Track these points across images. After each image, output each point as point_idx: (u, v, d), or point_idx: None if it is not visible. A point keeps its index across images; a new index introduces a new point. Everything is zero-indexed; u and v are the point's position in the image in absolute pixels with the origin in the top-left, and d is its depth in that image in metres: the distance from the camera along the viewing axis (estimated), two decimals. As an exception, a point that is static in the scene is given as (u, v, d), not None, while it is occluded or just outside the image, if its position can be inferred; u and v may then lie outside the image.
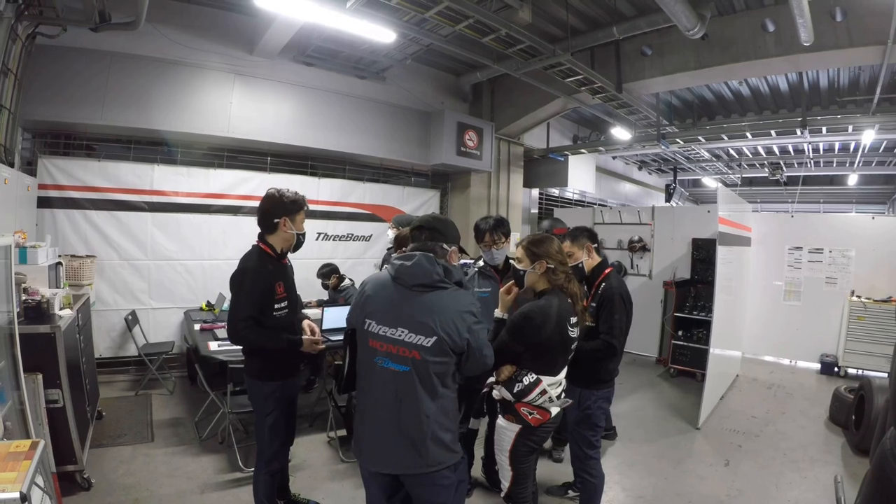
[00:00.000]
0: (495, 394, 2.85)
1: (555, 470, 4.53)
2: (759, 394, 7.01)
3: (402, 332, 2.32)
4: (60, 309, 4.07)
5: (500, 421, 2.85)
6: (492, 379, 2.87)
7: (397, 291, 2.40)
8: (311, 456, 4.69)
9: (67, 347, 3.79)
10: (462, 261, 3.54)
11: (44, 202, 6.11)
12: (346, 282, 6.72)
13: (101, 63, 6.12)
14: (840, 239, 8.15)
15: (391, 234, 4.70)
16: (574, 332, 2.80)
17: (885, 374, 5.79)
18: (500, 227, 3.87)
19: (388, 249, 4.24)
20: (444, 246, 2.52)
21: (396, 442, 2.34)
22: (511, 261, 4.13)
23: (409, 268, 2.38)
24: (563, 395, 2.85)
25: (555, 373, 2.76)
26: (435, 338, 2.29)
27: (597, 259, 3.68)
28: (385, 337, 2.36)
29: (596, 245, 3.72)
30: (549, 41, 6.56)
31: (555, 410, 2.77)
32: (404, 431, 2.32)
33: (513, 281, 2.96)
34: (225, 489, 4.08)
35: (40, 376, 3.46)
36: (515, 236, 3.42)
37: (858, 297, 7.76)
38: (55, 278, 4.72)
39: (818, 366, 8.02)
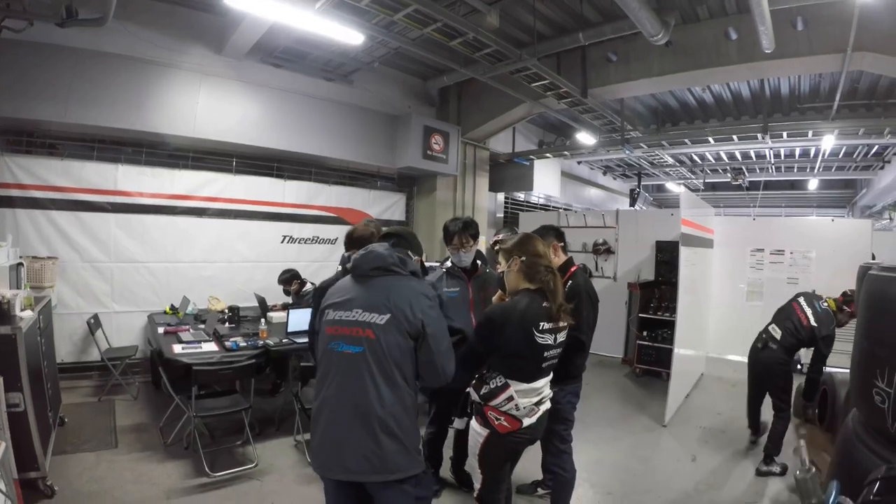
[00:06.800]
0: (471, 394, 2.81)
1: (525, 468, 4.55)
2: (724, 391, 7.14)
3: (357, 311, 2.34)
4: (21, 310, 3.95)
5: (473, 422, 2.79)
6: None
7: (354, 280, 2.48)
8: (277, 460, 4.64)
9: (28, 350, 3.71)
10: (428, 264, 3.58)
11: (5, 201, 5.97)
12: (308, 286, 6.67)
13: (66, 59, 5.98)
14: (801, 241, 8.33)
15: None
16: (544, 339, 2.66)
17: (847, 370, 5.94)
18: (468, 229, 3.92)
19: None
20: (410, 253, 2.61)
21: (351, 438, 2.26)
22: (478, 262, 4.17)
23: (365, 255, 2.46)
24: (541, 408, 2.75)
25: (526, 379, 2.65)
26: (389, 314, 2.30)
27: (563, 258, 3.72)
28: (339, 320, 2.38)
29: (563, 244, 3.76)
30: (516, 46, 6.60)
31: (527, 421, 2.65)
32: (358, 420, 2.25)
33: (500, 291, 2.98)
34: (191, 494, 4.02)
35: (0, 379, 3.37)
36: (482, 239, 3.48)
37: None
38: (16, 280, 4.59)
39: (782, 364, 8.13)
